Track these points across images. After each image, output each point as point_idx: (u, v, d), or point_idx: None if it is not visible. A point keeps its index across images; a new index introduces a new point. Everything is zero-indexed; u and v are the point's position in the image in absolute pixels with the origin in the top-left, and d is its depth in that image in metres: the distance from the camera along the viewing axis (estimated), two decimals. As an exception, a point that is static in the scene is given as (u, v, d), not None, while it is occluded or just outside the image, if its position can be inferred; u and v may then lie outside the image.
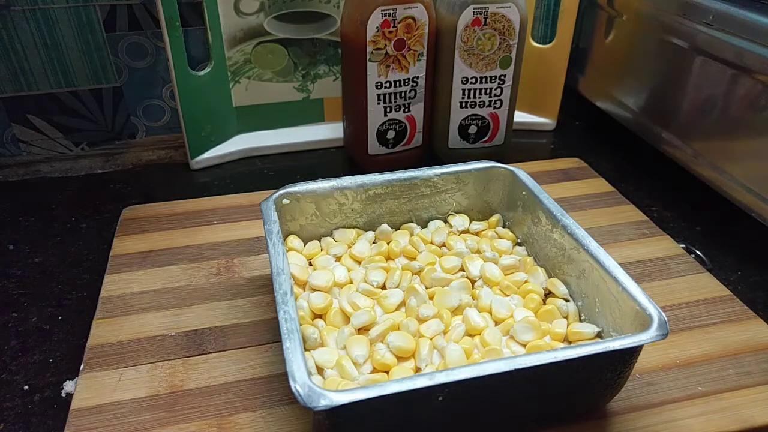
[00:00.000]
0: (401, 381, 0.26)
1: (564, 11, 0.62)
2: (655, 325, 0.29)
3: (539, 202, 0.40)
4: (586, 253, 0.35)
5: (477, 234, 0.43)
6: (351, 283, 0.38)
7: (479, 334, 0.34)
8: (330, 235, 0.42)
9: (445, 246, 0.42)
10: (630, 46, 0.60)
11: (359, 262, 0.40)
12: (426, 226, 0.44)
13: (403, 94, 0.55)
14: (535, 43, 0.65)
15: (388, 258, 0.41)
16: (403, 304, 0.36)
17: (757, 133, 0.45)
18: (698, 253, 0.47)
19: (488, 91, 0.56)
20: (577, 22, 0.62)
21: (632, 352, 0.30)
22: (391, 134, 0.57)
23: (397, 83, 0.54)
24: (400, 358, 0.33)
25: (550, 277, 0.39)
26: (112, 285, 0.42)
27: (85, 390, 0.34)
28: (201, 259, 0.44)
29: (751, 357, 0.37)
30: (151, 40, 0.59)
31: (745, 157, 0.47)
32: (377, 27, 0.50)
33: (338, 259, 0.40)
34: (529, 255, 0.41)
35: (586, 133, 0.68)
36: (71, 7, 0.55)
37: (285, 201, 0.40)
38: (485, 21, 0.53)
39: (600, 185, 0.55)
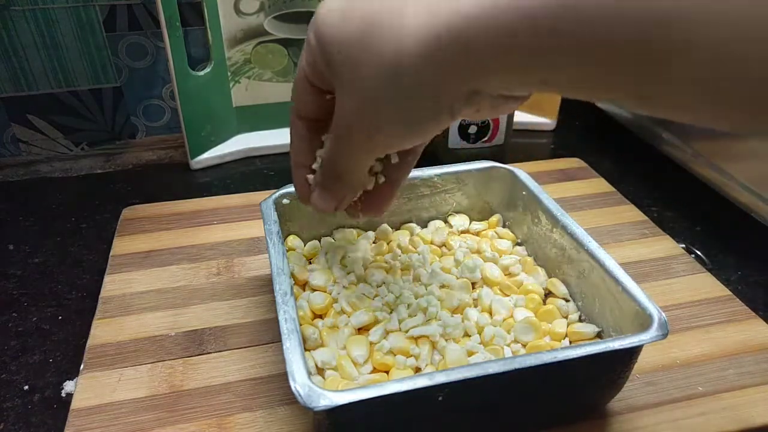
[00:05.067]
0: (401, 381, 0.26)
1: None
2: (655, 325, 0.29)
3: (539, 202, 0.40)
4: (586, 253, 0.35)
5: (477, 234, 0.43)
6: (351, 283, 0.38)
7: (479, 334, 0.34)
8: (330, 235, 0.42)
9: (445, 246, 0.42)
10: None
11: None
12: (426, 226, 0.44)
13: (403, 94, 0.55)
14: (535, 43, 0.65)
15: (388, 258, 0.41)
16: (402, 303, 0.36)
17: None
18: (698, 253, 0.47)
19: (488, 91, 0.56)
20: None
21: (632, 352, 0.30)
22: (391, 134, 0.57)
23: (397, 83, 0.54)
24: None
25: (550, 277, 0.39)
26: (112, 285, 0.42)
27: (85, 390, 0.34)
28: (201, 259, 0.44)
29: (751, 357, 0.37)
30: (151, 40, 0.59)
31: (745, 157, 0.47)
32: (377, 27, 0.50)
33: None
34: (529, 255, 0.41)
35: (586, 133, 0.68)
36: (71, 7, 0.55)
37: (285, 201, 0.40)
38: (485, 21, 0.53)
39: (600, 185, 0.55)
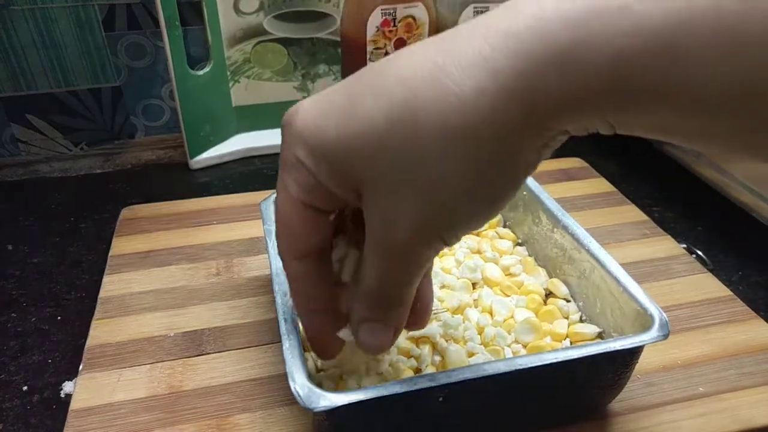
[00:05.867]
0: (402, 382, 0.26)
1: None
2: (656, 325, 0.29)
3: (540, 202, 0.39)
4: (587, 253, 0.35)
5: (477, 234, 0.43)
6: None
7: (480, 335, 0.34)
8: (330, 235, 0.42)
9: (446, 246, 0.42)
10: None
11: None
12: (426, 226, 0.44)
13: (403, 94, 0.55)
14: (535, 43, 0.64)
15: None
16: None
17: (758, 133, 0.45)
18: (699, 253, 0.47)
19: (488, 90, 0.56)
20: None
21: (633, 353, 0.30)
22: (391, 134, 0.56)
23: (397, 83, 0.54)
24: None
25: (550, 277, 0.39)
26: (111, 285, 0.42)
27: (84, 390, 0.34)
28: (200, 260, 0.44)
29: (752, 358, 0.37)
30: (151, 39, 0.59)
31: (746, 156, 0.47)
32: (377, 26, 0.50)
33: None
34: (529, 255, 0.41)
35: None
36: (70, 6, 0.55)
37: (285, 201, 0.39)
38: (485, 20, 0.52)
39: (601, 185, 0.55)
